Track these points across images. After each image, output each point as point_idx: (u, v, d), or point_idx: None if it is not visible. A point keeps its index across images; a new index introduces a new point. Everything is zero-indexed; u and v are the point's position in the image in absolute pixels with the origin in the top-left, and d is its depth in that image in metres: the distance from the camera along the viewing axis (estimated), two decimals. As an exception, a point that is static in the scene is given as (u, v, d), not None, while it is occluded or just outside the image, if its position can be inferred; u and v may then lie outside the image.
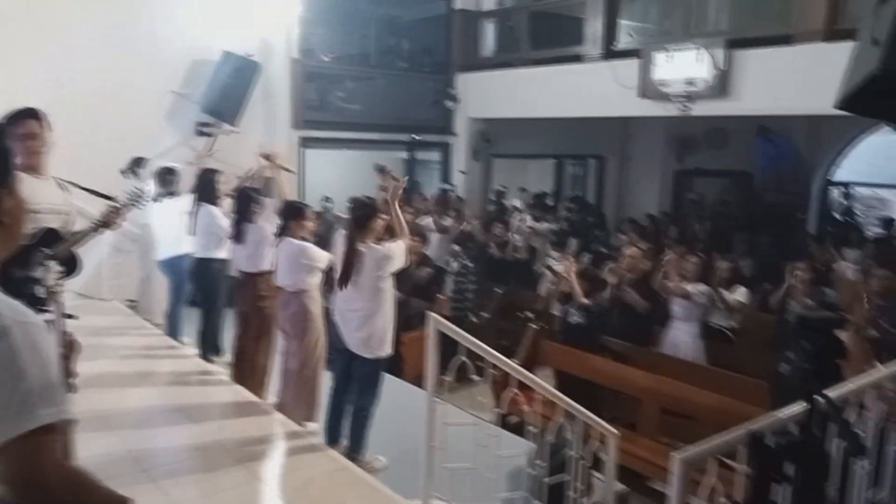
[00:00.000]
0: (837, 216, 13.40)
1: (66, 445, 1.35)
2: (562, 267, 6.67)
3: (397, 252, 4.44)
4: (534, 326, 6.62)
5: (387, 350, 4.50)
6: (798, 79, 6.65)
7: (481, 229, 9.32)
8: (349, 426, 4.54)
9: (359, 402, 4.51)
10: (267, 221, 5.36)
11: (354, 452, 4.42)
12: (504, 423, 4.64)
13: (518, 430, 4.24)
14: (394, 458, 4.52)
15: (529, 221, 9.80)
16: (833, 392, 1.74)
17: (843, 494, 2.11)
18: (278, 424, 4.55)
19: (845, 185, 13.88)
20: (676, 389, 5.41)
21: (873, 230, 11.24)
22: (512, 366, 3.43)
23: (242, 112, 8.45)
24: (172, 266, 6.45)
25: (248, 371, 5.38)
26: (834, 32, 6.56)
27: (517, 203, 11.04)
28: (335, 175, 11.05)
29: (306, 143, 9.74)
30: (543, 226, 9.82)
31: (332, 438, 4.60)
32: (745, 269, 8.26)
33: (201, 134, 8.43)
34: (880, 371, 2.44)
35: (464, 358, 3.22)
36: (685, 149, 12.16)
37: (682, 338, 6.30)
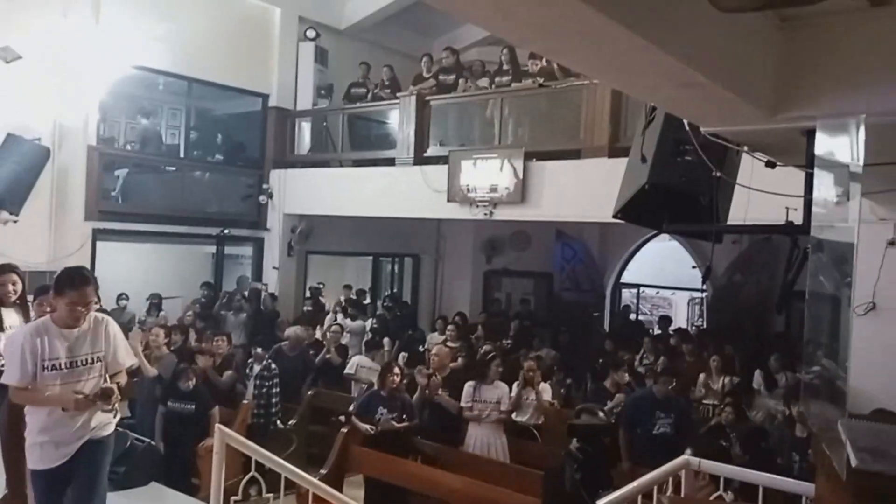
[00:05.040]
0: (628, 315, 14.56)
1: None
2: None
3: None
4: (344, 431, 6.36)
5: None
6: (586, 189, 7.28)
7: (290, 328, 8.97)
8: None
9: None
10: None
11: None
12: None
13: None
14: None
15: (341, 320, 9.64)
16: (604, 500, 1.78)
17: None
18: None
19: (634, 286, 15.23)
20: (484, 491, 5.38)
21: (656, 328, 12.29)
22: (307, 479, 3.21)
23: (25, 200, 7.68)
24: None
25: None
26: (616, 150, 7.30)
27: (341, 300, 10.85)
28: (137, 269, 10.29)
29: (100, 235, 9.00)
30: (356, 323, 9.70)
31: None
32: (549, 365, 8.61)
33: (-26, 222, 7.54)
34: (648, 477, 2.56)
35: (255, 473, 2.96)
36: (493, 250, 12.77)
37: (487, 437, 6.33)
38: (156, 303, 9.57)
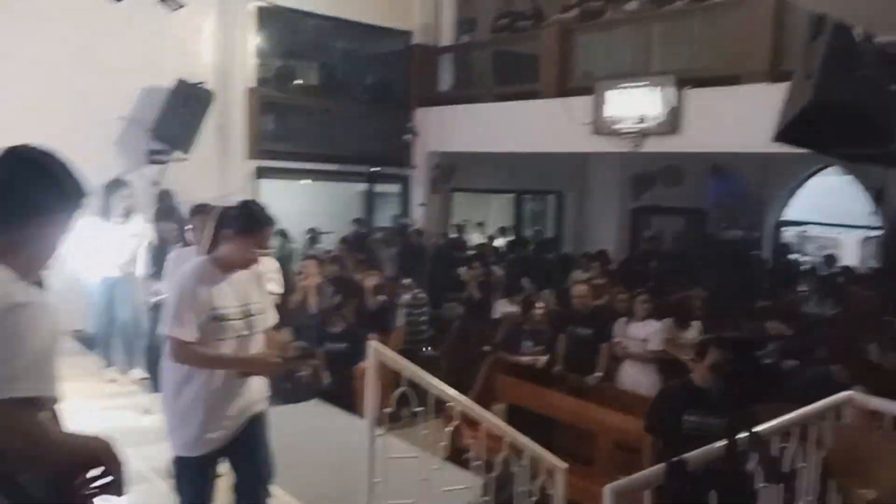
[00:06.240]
0: (792, 255, 13.65)
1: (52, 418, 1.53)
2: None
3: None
4: (489, 360, 6.54)
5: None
6: (745, 117, 6.78)
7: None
8: None
9: None
10: None
11: None
12: (458, 458, 4.53)
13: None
14: (337, 497, 4.37)
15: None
16: (760, 427, 1.72)
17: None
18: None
19: (798, 223, 14.20)
20: (629, 423, 5.38)
21: (822, 269, 11.46)
22: (454, 396, 3.36)
23: (195, 140, 8.35)
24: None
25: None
26: (779, 73, 6.73)
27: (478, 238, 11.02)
28: (293, 206, 10.95)
29: (262, 172, 9.64)
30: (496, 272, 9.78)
31: None
32: (702, 304, 8.31)
33: (153, 162, 8.31)
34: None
35: (406, 388, 3.14)
36: (641, 186, 12.33)
37: (637, 374, 6.28)
38: (313, 237, 10.19)
